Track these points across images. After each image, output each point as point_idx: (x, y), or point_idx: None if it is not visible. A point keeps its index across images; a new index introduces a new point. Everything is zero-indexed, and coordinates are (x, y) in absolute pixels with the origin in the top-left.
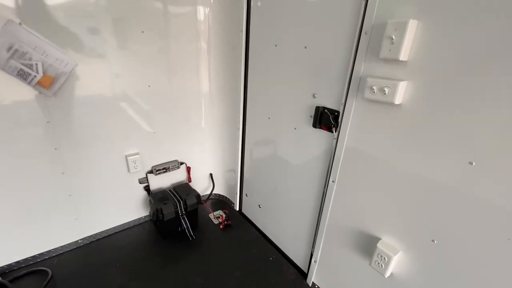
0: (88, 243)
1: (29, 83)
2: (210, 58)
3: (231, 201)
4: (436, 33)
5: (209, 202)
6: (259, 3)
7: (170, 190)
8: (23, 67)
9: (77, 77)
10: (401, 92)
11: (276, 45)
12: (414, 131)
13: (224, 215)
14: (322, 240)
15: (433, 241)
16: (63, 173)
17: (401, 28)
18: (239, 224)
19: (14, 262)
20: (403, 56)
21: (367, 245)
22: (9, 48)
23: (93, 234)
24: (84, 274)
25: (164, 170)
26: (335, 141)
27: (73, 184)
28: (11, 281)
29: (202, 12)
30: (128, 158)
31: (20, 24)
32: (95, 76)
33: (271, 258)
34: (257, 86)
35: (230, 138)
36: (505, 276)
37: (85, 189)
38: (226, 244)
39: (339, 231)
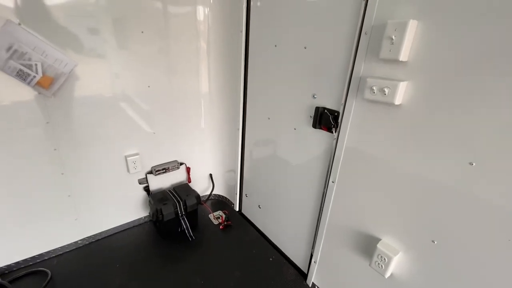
0: (88, 243)
1: (29, 83)
2: (210, 58)
3: (231, 202)
4: (436, 33)
5: (209, 202)
6: (258, 3)
7: (169, 191)
8: (22, 67)
9: (76, 78)
10: (401, 93)
11: (276, 45)
12: (414, 131)
13: (224, 216)
14: (322, 241)
15: (433, 241)
16: (62, 173)
17: (401, 29)
18: (239, 224)
19: (13, 263)
20: (403, 56)
21: (367, 246)
22: (8, 49)
23: (93, 235)
24: (83, 275)
25: (164, 170)
26: (335, 141)
27: (72, 185)
28: (10, 282)
29: (201, 12)
30: (128, 158)
31: (19, 24)
32: (95, 77)
33: (271, 259)
34: (257, 86)
35: (230, 138)
36: (505, 277)
37: (84, 189)
38: (226, 244)
39: (339, 232)
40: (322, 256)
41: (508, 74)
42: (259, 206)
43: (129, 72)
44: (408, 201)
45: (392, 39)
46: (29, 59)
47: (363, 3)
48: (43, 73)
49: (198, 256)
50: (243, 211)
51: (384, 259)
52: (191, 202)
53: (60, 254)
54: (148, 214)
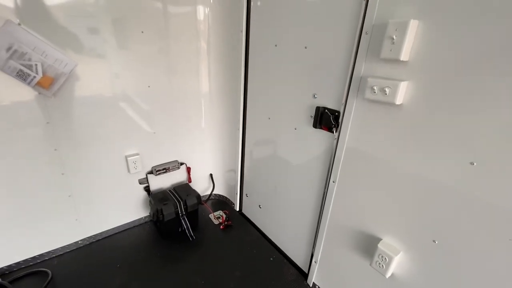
0: (88, 243)
1: (29, 83)
2: (210, 58)
3: (231, 202)
4: (437, 33)
5: (209, 202)
6: (259, 3)
7: (170, 191)
8: (22, 67)
9: (77, 78)
10: (402, 92)
11: (276, 45)
12: (415, 131)
13: (224, 216)
14: (323, 241)
15: (434, 241)
16: (63, 173)
17: (402, 28)
18: (239, 224)
19: (14, 263)
20: (404, 56)
21: (368, 246)
22: (8, 49)
23: (93, 235)
24: (84, 275)
25: (164, 170)
26: (335, 141)
27: (73, 185)
28: (11, 282)
29: (202, 12)
30: (128, 158)
31: (19, 24)
32: (95, 77)
33: (271, 259)
34: (257, 86)
35: (230, 138)
36: (506, 277)
37: (85, 189)
38: (226, 244)
39: (339, 232)
40: (323, 256)
41: (508, 74)
42: (259, 206)
43: (129, 72)
44: (409, 201)
45: (393, 39)
46: (29, 59)
47: (364, 2)
48: (43, 73)
49: (199, 256)
50: (243, 211)
51: (385, 259)
52: (191, 202)
53: (61, 254)
54: (148, 214)
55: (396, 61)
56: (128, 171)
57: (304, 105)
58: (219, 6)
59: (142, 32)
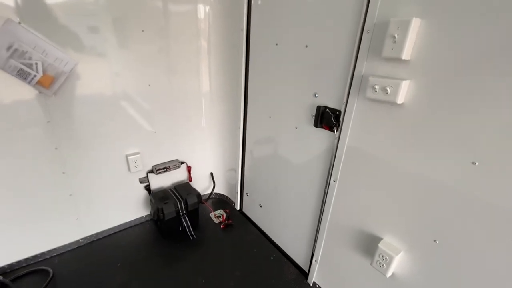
0: (89, 242)
1: (29, 82)
2: (211, 57)
3: (231, 201)
4: (439, 32)
5: (209, 201)
6: (259, 1)
7: (170, 190)
8: (22, 66)
9: (77, 77)
10: (403, 92)
11: (277, 44)
12: (416, 130)
13: (224, 215)
14: (323, 240)
15: (435, 241)
16: (63, 172)
17: (404, 27)
18: (239, 223)
19: (15, 262)
20: (406, 55)
21: (369, 245)
22: (9, 48)
23: (94, 234)
24: (85, 274)
25: (165, 169)
26: (336, 140)
27: (73, 184)
28: (12, 281)
29: (202, 10)
30: (129, 157)
31: (19, 23)
32: (95, 75)
33: (271, 258)
34: (258, 85)
35: (231, 137)
36: (507, 277)
37: (85, 188)
38: (226, 243)
39: (340, 231)
40: (323, 255)
41: (509, 74)
42: (260, 205)
43: (129, 71)
44: (410, 200)
45: (394, 37)
46: (30, 58)
47: (365, 1)
48: (44, 72)
49: (199, 255)
50: (244, 210)
51: (386, 258)
52: (192, 201)
53: (62, 253)
54: (149, 213)
55: (398, 60)
56: (129, 170)
57: (305, 104)
58: (219, 4)
59: (143, 31)
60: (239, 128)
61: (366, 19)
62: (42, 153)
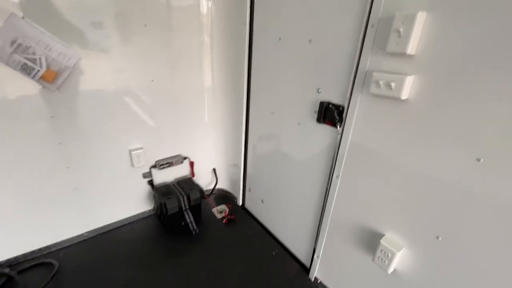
0: (93, 236)
1: (33, 77)
2: (213, 51)
3: (234, 196)
4: (445, 26)
5: (212, 196)
6: None
7: (173, 185)
8: (26, 61)
9: (80, 72)
10: (408, 87)
11: (280, 39)
12: (421, 126)
13: (227, 210)
14: (325, 235)
15: (437, 237)
16: (67, 167)
17: (409, 21)
18: (242, 218)
19: (20, 255)
20: (411, 50)
21: (370, 241)
22: (13, 42)
23: (98, 228)
24: (89, 267)
25: (168, 164)
26: (339, 136)
27: (77, 178)
28: (18, 273)
29: (205, 5)
30: (132, 152)
31: (23, 18)
32: (99, 71)
33: (273, 253)
34: (261, 80)
35: (233, 132)
36: (511, 275)
37: (89, 183)
38: (229, 238)
39: (342, 227)
40: (325, 251)
41: None
42: (262, 200)
43: (132, 66)
44: (413, 196)
45: (399, 32)
46: (33, 53)
47: None
48: (47, 67)
49: (201, 250)
50: (246, 205)
51: (387, 254)
52: (194, 196)
53: (67, 247)
54: (152, 207)
55: (403, 55)
56: (132, 165)
57: (308, 100)
58: None
59: (146, 25)
60: (242, 123)
61: (371, 13)
62: (46, 148)
